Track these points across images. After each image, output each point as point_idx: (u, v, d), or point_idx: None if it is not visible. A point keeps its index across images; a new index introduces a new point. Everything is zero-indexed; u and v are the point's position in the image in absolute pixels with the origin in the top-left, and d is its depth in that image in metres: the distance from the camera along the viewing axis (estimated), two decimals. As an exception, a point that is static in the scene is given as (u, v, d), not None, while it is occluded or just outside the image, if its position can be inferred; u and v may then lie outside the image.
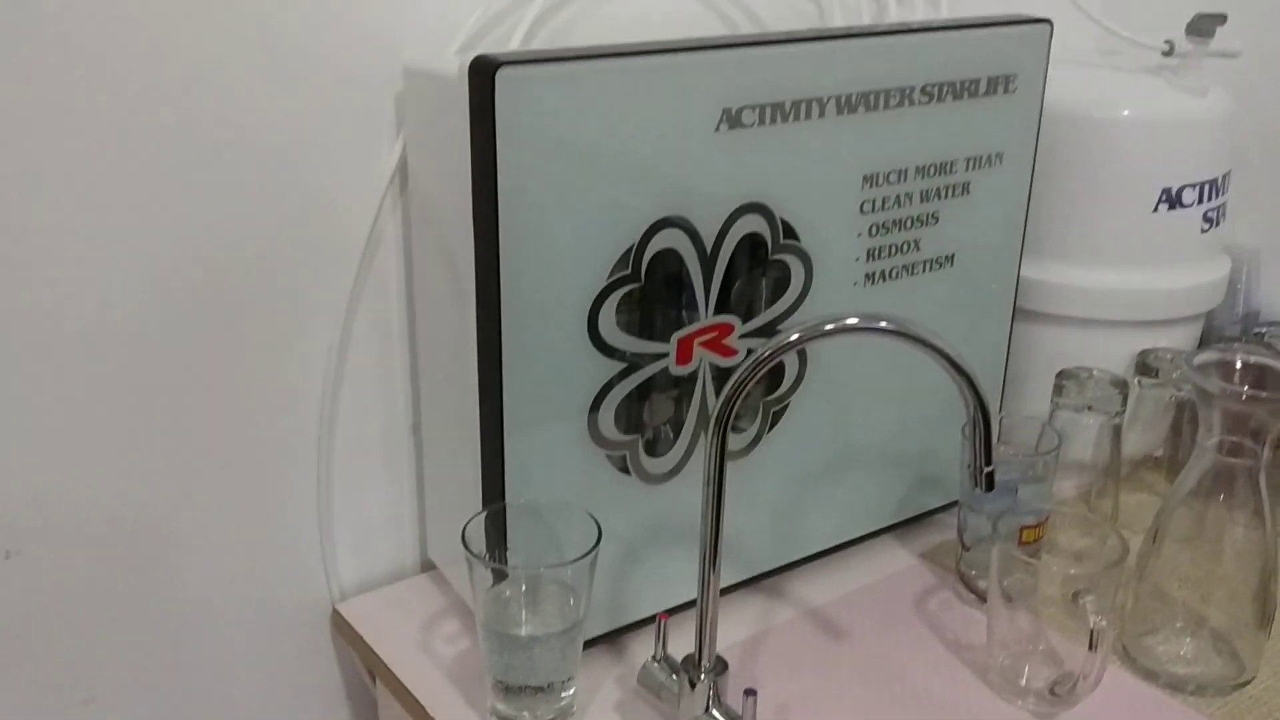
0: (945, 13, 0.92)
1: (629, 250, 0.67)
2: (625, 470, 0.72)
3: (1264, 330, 0.99)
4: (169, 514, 0.73)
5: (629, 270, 0.67)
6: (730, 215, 0.70)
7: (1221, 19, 0.89)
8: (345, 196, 0.73)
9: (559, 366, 0.67)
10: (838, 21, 0.87)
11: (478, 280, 0.64)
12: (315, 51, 0.70)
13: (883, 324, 0.59)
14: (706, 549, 0.63)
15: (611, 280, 0.67)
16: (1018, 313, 0.89)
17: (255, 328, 0.72)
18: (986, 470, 0.61)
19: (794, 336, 0.59)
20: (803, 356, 0.77)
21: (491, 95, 0.59)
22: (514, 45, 0.74)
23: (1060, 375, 0.87)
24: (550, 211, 0.63)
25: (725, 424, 0.60)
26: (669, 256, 0.69)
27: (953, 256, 0.82)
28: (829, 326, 0.59)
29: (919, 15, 0.90)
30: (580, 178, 0.64)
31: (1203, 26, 0.89)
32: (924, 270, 0.81)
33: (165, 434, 0.71)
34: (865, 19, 0.88)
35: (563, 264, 0.65)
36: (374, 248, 0.75)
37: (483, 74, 0.59)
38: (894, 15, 0.89)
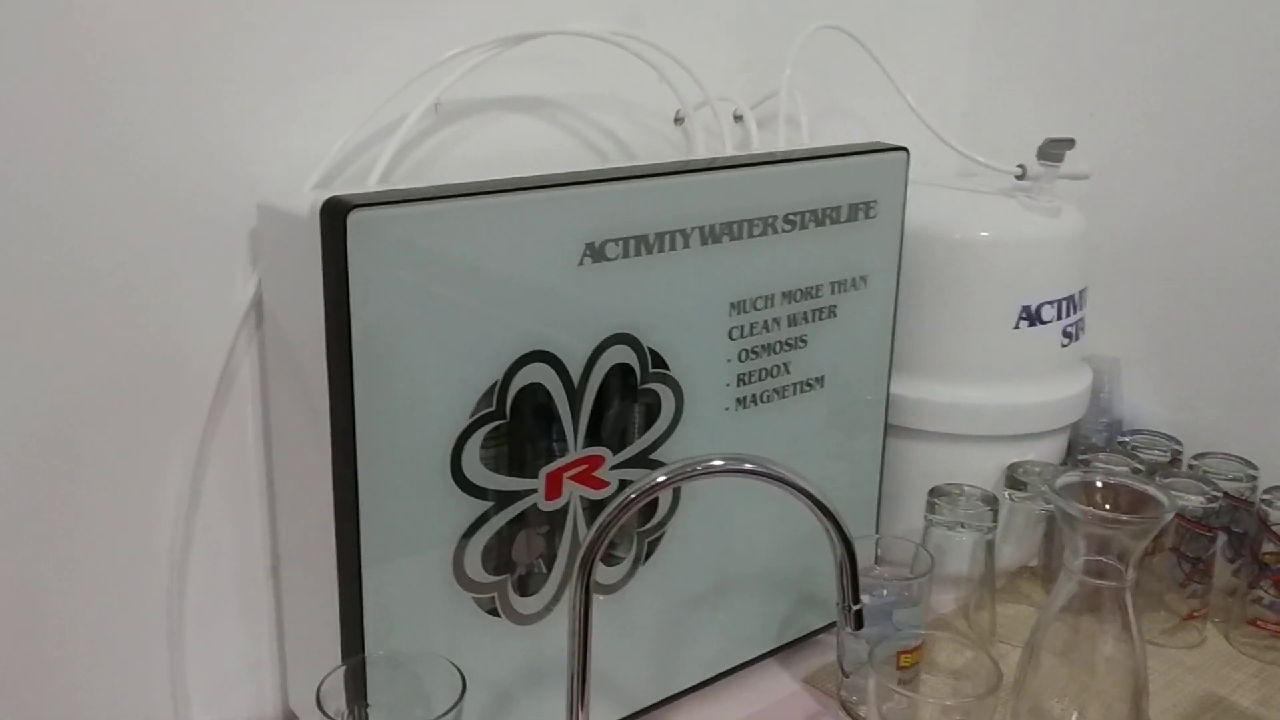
0: (806, 139, 0.94)
1: (493, 387, 0.66)
2: (494, 612, 0.69)
3: (1127, 439, 1.02)
4: (16, 662, 0.67)
5: (493, 407, 0.66)
6: (597, 347, 0.70)
7: (1070, 143, 0.93)
8: (197, 334, 0.70)
9: (420, 507, 0.65)
10: (701, 148, 0.88)
11: (332, 422, 0.61)
12: (167, 184, 0.67)
13: (747, 465, 0.59)
14: (574, 694, 0.61)
15: (475, 418, 0.65)
16: (890, 429, 0.90)
17: (99, 473, 0.69)
18: (855, 609, 0.60)
19: (660, 479, 0.59)
20: (675, 487, 0.76)
21: (344, 237, 0.58)
22: (373, 179, 0.73)
23: (932, 493, 0.88)
24: (408, 351, 0.62)
25: (590, 568, 0.58)
26: (536, 390, 0.68)
27: (823, 378, 0.83)
28: (697, 469, 0.59)
29: (781, 141, 0.92)
30: (439, 316, 0.62)
31: (1053, 151, 0.93)
32: (795, 392, 0.82)
33: (6, 586, 0.66)
34: (729, 146, 0.90)
35: (423, 403, 0.63)
36: (227, 386, 0.72)
37: (335, 216, 0.58)
38: (756, 142, 0.90)
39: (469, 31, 0.76)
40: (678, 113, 0.90)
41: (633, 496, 0.58)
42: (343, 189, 0.62)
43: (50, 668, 0.69)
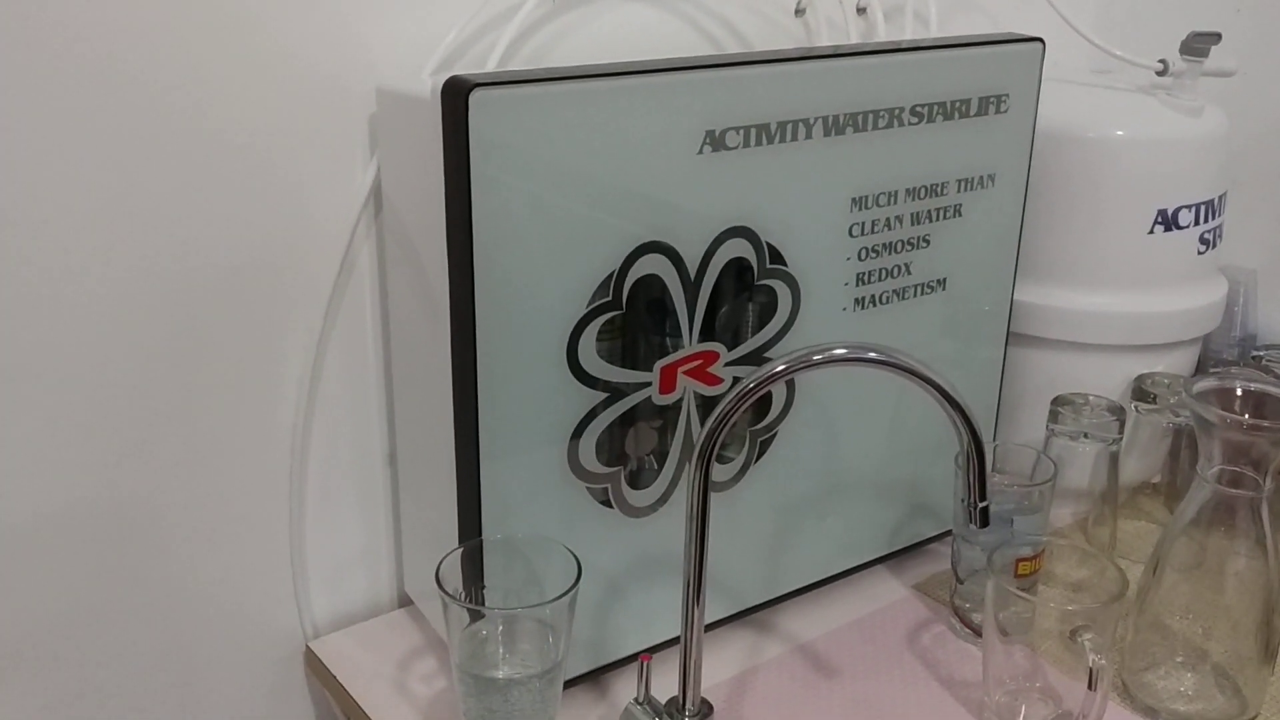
0: (934, 32, 0.90)
1: (610, 276, 0.65)
2: (607, 503, 0.69)
3: (1262, 354, 0.97)
4: (138, 542, 0.70)
5: (610, 297, 0.65)
6: (714, 240, 0.68)
7: (1216, 38, 0.87)
8: (318, 220, 0.71)
9: (537, 396, 0.65)
10: (824, 41, 0.85)
11: (452, 308, 0.61)
12: (288, 71, 0.68)
13: (871, 354, 0.57)
14: (690, 590, 0.60)
15: (592, 307, 0.65)
16: (1011, 337, 0.87)
17: (225, 354, 0.70)
18: (981, 505, 0.59)
19: (780, 368, 0.57)
20: (790, 384, 0.75)
21: (465, 117, 0.57)
22: (491, 65, 0.72)
23: (1055, 401, 0.85)
24: (527, 237, 0.61)
25: (709, 459, 0.57)
26: (651, 282, 0.67)
27: (944, 280, 0.80)
28: (817, 357, 0.57)
29: (908, 35, 0.88)
30: (558, 202, 0.62)
31: (1197, 45, 0.87)
32: (915, 294, 0.79)
33: (133, 462, 0.69)
34: (853, 38, 0.87)
35: (541, 291, 0.63)
36: (348, 273, 0.73)
37: (456, 96, 0.57)
38: (882, 34, 0.87)
39: (588, -85, 0.74)
40: (799, 2, 0.87)
41: (752, 385, 0.57)
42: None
43: (174, 545, 0.72)
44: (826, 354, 0.57)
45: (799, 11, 0.88)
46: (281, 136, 0.68)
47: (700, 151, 0.66)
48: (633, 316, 0.66)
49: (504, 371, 0.63)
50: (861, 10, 0.89)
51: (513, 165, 0.59)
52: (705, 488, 0.58)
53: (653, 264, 0.66)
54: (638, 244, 0.65)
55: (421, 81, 0.64)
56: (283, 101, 0.68)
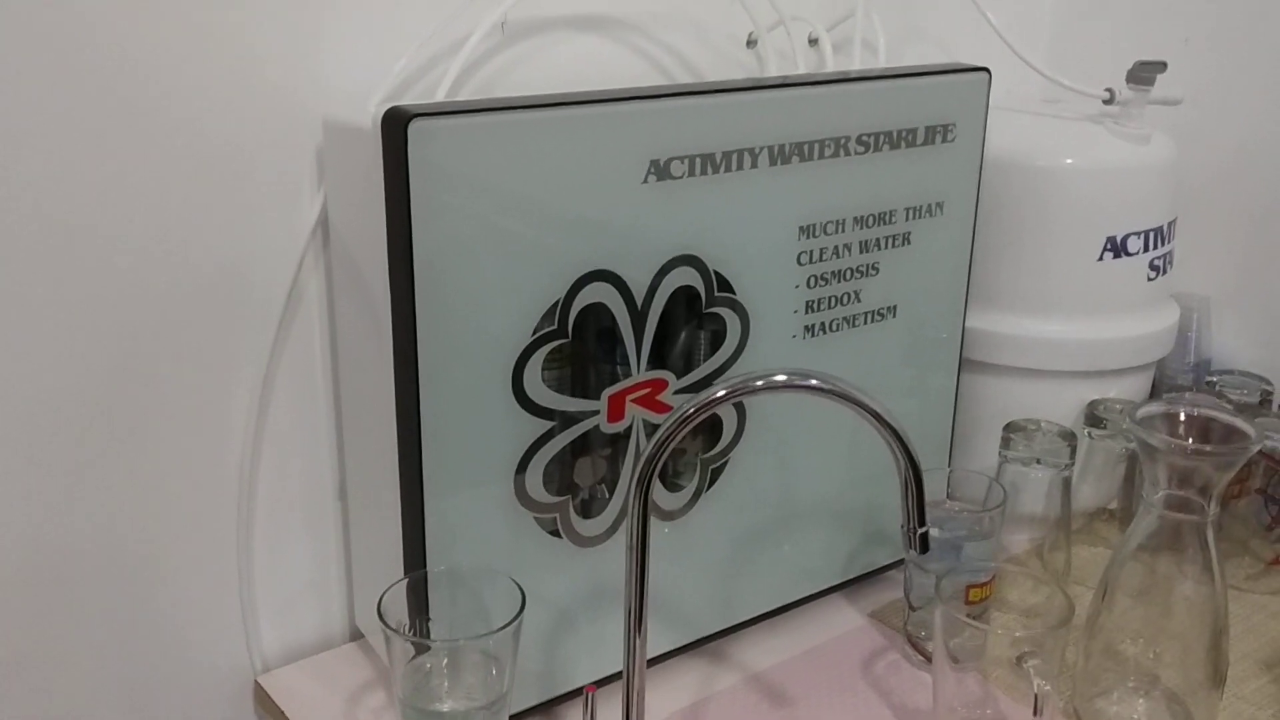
0: (884, 62, 0.91)
1: (555, 305, 0.65)
2: (556, 533, 0.69)
3: (1216, 379, 0.98)
4: (84, 577, 0.69)
5: (555, 325, 0.65)
6: (661, 268, 0.68)
7: (1161, 66, 0.89)
8: (265, 252, 0.71)
9: (483, 426, 0.64)
10: (774, 73, 0.86)
11: (395, 337, 0.61)
12: (236, 100, 0.67)
13: (812, 382, 0.57)
14: (631, 620, 0.60)
15: (537, 336, 0.65)
16: (965, 364, 0.87)
17: (170, 385, 0.69)
18: (921, 531, 0.58)
19: (720, 393, 0.57)
20: (741, 410, 0.75)
21: (404, 148, 0.57)
22: (440, 95, 0.72)
23: (1007, 428, 0.85)
24: (470, 266, 0.61)
25: (648, 485, 0.57)
26: (598, 311, 0.67)
27: (895, 308, 0.81)
28: (758, 384, 0.57)
29: (857, 65, 0.89)
30: (501, 231, 0.62)
31: (1143, 74, 0.88)
32: (866, 322, 0.80)
33: (78, 495, 0.68)
34: (802, 70, 0.87)
35: (485, 320, 0.63)
36: (295, 305, 0.73)
37: (395, 126, 0.57)
38: (830, 66, 0.88)
39: (535, -53, 0.75)
40: (750, 34, 0.88)
41: (691, 410, 0.56)
42: (406, 103, 0.61)
43: (120, 579, 0.71)
44: (768, 379, 0.57)
45: (751, 43, 0.89)
46: (227, 166, 0.68)
47: (645, 181, 0.66)
48: (579, 345, 0.66)
49: (448, 401, 0.63)
50: (813, 41, 0.90)
51: (454, 195, 0.60)
52: (644, 515, 0.58)
53: (599, 292, 0.66)
54: (583, 272, 0.65)
55: (366, 112, 0.64)
56: (230, 131, 0.68)
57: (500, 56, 0.77)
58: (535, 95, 0.64)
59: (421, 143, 0.58)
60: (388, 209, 0.59)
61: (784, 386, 0.57)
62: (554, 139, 0.62)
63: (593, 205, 0.64)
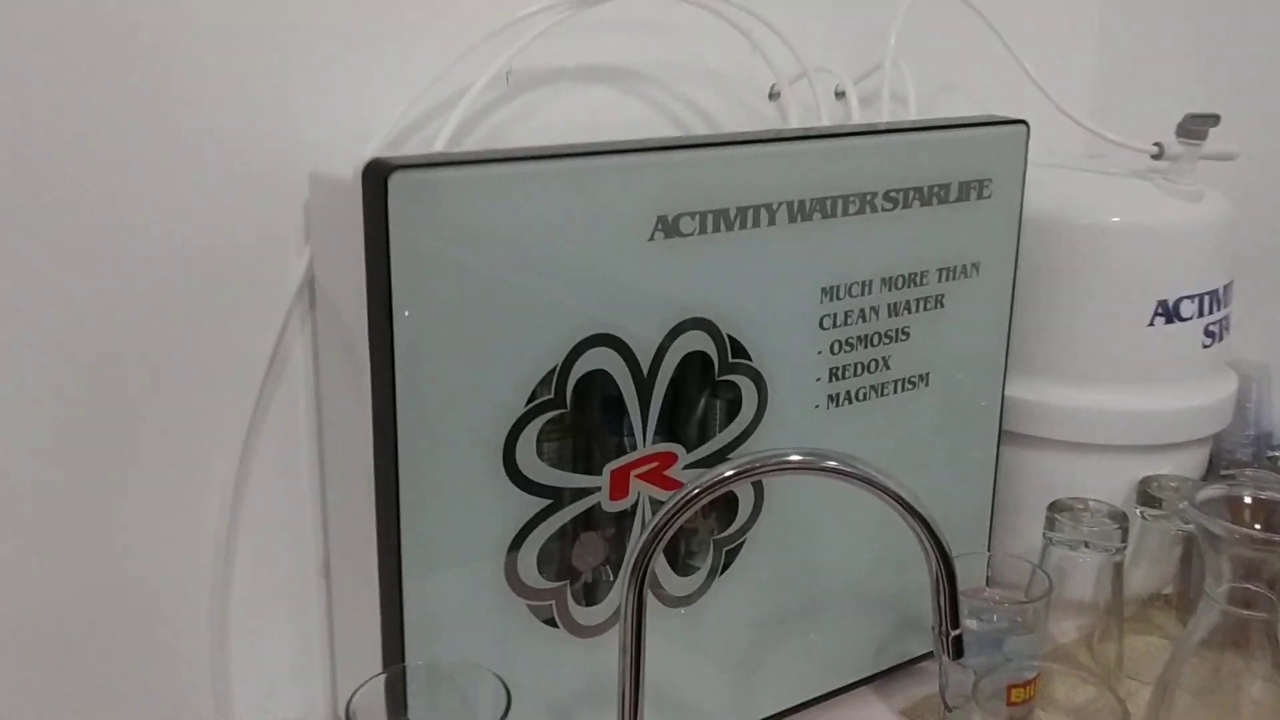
0: (913, 117, 0.86)
1: (552, 371, 0.60)
2: (552, 622, 0.63)
3: (1278, 454, 0.91)
4: (48, 659, 0.64)
5: (553, 394, 0.60)
6: (669, 333, 0.63)
7: (1214, 120, 0.83)
8: (247, 314, 0.66)
9: (470, 503, 0.59)
10: (795, 124, 0.81)
11: (374, 406, 0.56)
12: (217, 155, 0.64)
13: (830, 463, 0.51)
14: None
15: (532, 405, 0.59)
16: (1005, 436, 0.81)
17: (142, 458, 0.65)
18: (954, 635, 0.52)
19: (727, 473, 0.52)
20: (758, 488, 0.69)
21: (384, 202, 0.53)
22: (438, 147, 0.68)
23: (1052, 508, 0.79)
24: (458, 329, 0.56)
25: (643, 576, 0.52)
26: (600, 379, 0.61)
27: (927, 376, 0.75)
28: (769, 464, 0.52)
29: (884, 118, 0.84)
30: (494, 293, 0.57)
31: (1194, 128, 0.83)
32: (896, 390, 0.74)
33: (42, 573, 0.63)
34: (825, 123, 0.82)
35: (473, 388, 0.58)
36: (279, 370, 0.68)
37: (376, 178, 0.53)
38: (857, 119, 0.83)
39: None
40: (773, 87, 0.83)
41: (695, 492, 0.51)
42: (398, 157, 0.57)
43: (86, 663, 0.66)
44: (779, 460, 0.52)
45: (773, 96, 0.84)
46: (209, 227, 0.64)
47: (651, 238, 0.61)
48: (579, 416, 0.61)
49: (430, 475, 0.57)
50: (840, 94, 0.85)
51: (439, 253, 0.55)
52: (639, 611, 0.52)
53: (600, 358, 0.61)
54: (583, 337, 0.60)
55: (354, 165, 0.60)
56: (211, 187, 0.64)
57: (505, 108, 0.73)
58: (531, 146, 0.60)
59: (403, 196, 0.53)
60: (367, 266, 0.55)
61: (797, 468, 0.51)
62: (550, 193, 0.57)
63: (593, 264, 0.59)
